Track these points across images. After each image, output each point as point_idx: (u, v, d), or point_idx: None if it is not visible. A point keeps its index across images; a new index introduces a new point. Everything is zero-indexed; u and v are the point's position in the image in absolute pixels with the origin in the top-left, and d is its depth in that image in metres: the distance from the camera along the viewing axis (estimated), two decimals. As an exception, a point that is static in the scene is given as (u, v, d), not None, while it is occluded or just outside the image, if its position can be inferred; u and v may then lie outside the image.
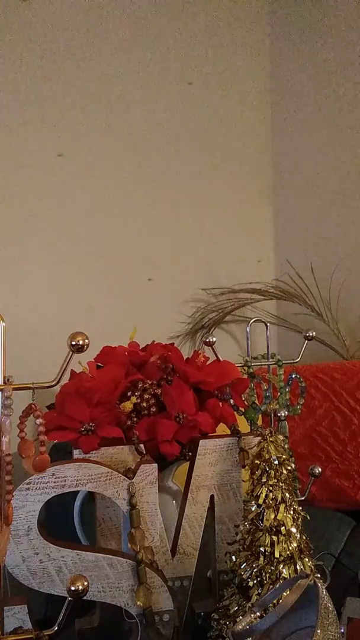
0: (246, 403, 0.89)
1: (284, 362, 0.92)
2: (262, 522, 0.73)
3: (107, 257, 1.71)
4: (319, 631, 0.59)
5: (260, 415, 0.88)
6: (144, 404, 0.81)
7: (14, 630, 0.66)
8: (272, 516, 0.73)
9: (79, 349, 0.63)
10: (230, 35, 1.91)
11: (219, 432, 0.84)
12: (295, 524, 0.74)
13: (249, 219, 1.96)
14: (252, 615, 0.65)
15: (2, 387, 0.60)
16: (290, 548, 0.73)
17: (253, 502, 0.74)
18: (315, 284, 1.87)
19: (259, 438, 0.77)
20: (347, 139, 1.89)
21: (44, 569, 0.69)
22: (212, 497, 0.81)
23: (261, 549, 0.72)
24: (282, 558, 0.72)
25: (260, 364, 0.92)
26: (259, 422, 0.89)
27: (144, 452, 0.76)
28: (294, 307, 1.89)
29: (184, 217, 1.83)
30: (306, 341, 0.93)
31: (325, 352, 1.81)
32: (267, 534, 0.73)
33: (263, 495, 0.73)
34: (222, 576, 0.82)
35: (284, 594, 0.66)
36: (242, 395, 0.89)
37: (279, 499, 0.73)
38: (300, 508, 0.76)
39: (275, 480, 0.74)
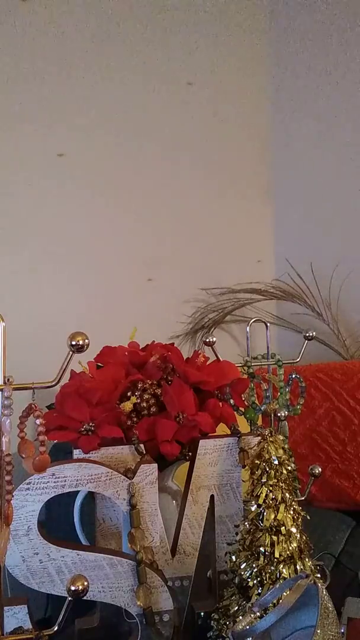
0: (246, 403, 0.89)
1: (284, 362, 0.92)
2: (262, 522, 0.73)
3: (107, 257, 1.71)
4: (319, 631, 0.60)
5: (260, 415, 0.88)
6: (144, 404, 0.81)
7: (14, 630, 0.66)
8: (272, 516, 0.73)
9: (79, 349, 0.63)
10: (230, 35, 1.90)
11: (219, 432, 0.84)
12: (295, 524, 0.74)
13: (249, 219, 1.96)
14: (252, 615, 0.65)
15: (2, 387, 0.60)
16: (290, 548, 0.73)
17: (253, 502, 0.74)
18: (315, 284, 1.87)
19: (259, 438, 0.77)
20: (347, 139, 1.89)
21: (44, 569, 0.69)
22: (212, 497, 0.81)
23: (261, 549, 0.72)
24: (282, 558, 0.72)
25: (260, 364, 0.92)
26: (259, 422, 0.89)
27: (144, 452, 0.76)
28: (294, 307, 1.89)
29: (184, 217, 1.83)
30: (306, 341, 0.93)
31: (325, 352, 1.81)
32: (267, 534, 0.73)
33: (263, 495, 0.73)
34: (222, 576, 0.82)
35: (284, 594, 0.66)
36: (242, 395, 0.89)
37: (279, 499, 0.73)
38: (300, 508, 0.76)
39: (275, 480, 0.74)
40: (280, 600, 0.65)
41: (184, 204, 1.83)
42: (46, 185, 1.64)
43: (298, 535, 0.74)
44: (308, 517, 0.77)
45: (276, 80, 1.98)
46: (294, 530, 0.73)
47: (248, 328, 0.95)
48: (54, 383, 0.65)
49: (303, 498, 0.86)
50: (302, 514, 0.76)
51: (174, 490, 0.88)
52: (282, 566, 0.72)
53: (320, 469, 0.88)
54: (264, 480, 0.74)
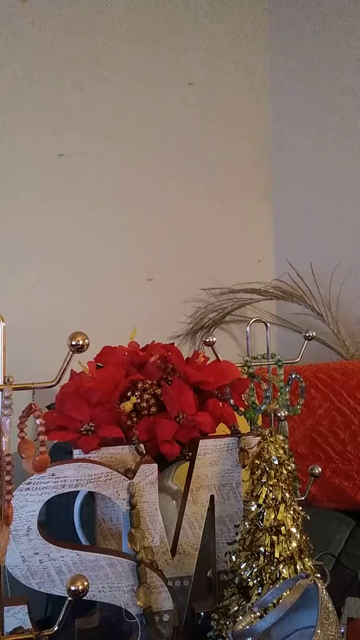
0: (246, 403, 0.89)
1: (284, 362, 0.92)
2: (262, 522, 0.73)
3: (107, 257, 1.71)
4: (319, 631, 0.60)
5: (260, 415, 0.88)
6: (144, 404, 0.81)
7: (14, 630, 0.66)
8: (272, 516, 0.73)
9: (79, 349, 0.63)
10: (230, 35, 1.91)
11: (219, 432, 0.84)
12: (295, 524, 0.74)
13: (249, 219, 1.96)
14: (252, 615, 0.65)
15: (2, 387, 0.60)
16: (290, 548, 0.73)
17: (253, 502, 0.74)
18: (315, 284, 1.87)
19: (259, 438, 0.77)
20: (347, 138, 1.89)
21: (44, 569, 0.69)
22: (212, 497, 0.81)
23: (261, 549, 0.72)
24: (282, 558, 0.72)
25: (260, 364, 0.92)
26: (259, 422, 0.89)
27: (144, 452, 0.76)
28: (294, 307, 1.89)
29: (184, 217, 1.83)
30: (306, 341, 0.93)
31: (325, 352, 1.81)
32: (267, 534, 0.73)
33: (263, 495, 0.73)
34: (222, 576, 0.82)
35: (284, 594, 0.66)
36: (242, 395, 0.89)
37: (279, 499, 0.73)
38: (300, 508, 0.76)
39: (275, 480, 0.74)
40: (280, 600, 0.65)
41: (184, 203, 1.83)
42: (46, 185, 1.64)
43: (298, 535, 0.74)
44: (308, 517, 0.77)
45: (276, 80, 1.98)
46: (294, 530, 0.73)
47: (248, 328, 0.95)
48: (54, 383, 0.65)
49: (303, 498, 0.86)
50: (302, 514, 0.76)
51: (174, 490, 0.88)
52: (282, 566, 0.72)
53: (320, 469, 0.88)
54: (264, 480, 0.74)
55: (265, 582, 0.72)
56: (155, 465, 0.73)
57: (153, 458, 0.75)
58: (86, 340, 0.63)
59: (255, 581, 0.72)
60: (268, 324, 0.96)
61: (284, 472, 0.74)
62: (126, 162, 1.75)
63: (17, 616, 0.67)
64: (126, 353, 0.88)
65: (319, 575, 0.72)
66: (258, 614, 0.66)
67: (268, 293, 1.89)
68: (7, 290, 1.57)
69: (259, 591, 0.72)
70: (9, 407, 0.58)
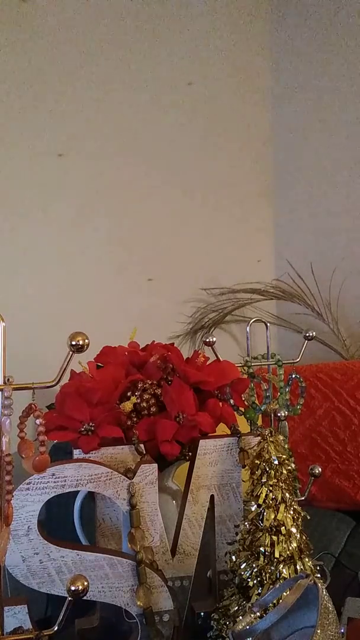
0: (246, 403, 0.89)
1: (284, 362, 0.92)
2: (262, 522, 0.73)
3: (107, 257, 1.71)
4: (319, 631, 0.60)
5: (260, 415, 0.88)
6: (144, 404, 0.81)
7: (14, 630, 0.66)
8: (272, 516, 0.73)
9: (79, 349, 0.63)
10: (230, 35, 1.91)
11: (219, 432, 0.84)
12: (295, 524, 0.74)
13: (249, 219, 1.96)
14: (252, 615, 0.65)
15: (2, 387, 0.59)
16: (290, 548, 0.73)
17: (253, 502, 0.74)
18: (315, 284, 1.87)
19: (259, 438, 0.77)
20: (348, 138, 1.89)
21: (44, 569, 0.69)
22: (212, 497, 0.81)
23: (261, 549, 0.72)
24: (282, 558, 0.72)
25: (260, 364, 0.92)
26: (259, 422, 0.89)
27: (144, 452, 0.76)
28: (294, 307, 1.89)
29: (184, 217, 1.83)
30: (306, 341, 0.93)
31: (325, 352, 1.81)
32: (267, 534, 0.73)
33: (263, 495, 0.73)
34: (222, 576, 0.82)
35: (284, 594, 0.66)
36: (242, 395, 0.89)
37: (279, 499, 0.73)
38: (300, 508, 0.76)
39: (275, 480, 0.74)
40: (280, 600, 0.65)
41: (184, 203, 1.83)
42: (46, 185, 1.64)
43: (298, 535, 0.74)
44: (308, 517, 0.77)
45: (277, 80, 1.98)
46: (294, 530, 0.73)
47: (248, 328, 0.95)
48: (54, 383, 0.65)
49: (303, 498, 0.86)
50: (302, 514, 0.76)
51: (174, 490, 0.88)
52: (282, 566, 0.72)
53: (320, 469, 0.88)
54: (264, 480, 0.74)
55: (265, 582, 0.72)
56: (155, 465, 0.73)
57: (153, 458, 0.75)
58: (86, 340, 0.63)
59: (255, 581, 0.72)
60: (268, 324, 0.96)
61: (284, 472, 0.75)
62: (126, 161, 1.75)
63: (17, 616, 0.68)
64: (126, 353, 0.88)
65: (319, 575, 0.72)
66: (258, 614, 0.66)
67: (268, 293, 1.89)
68: (7, 290, 1.57)
69: (259, 591, 0.72)
70: (9, 407, 0.58)
